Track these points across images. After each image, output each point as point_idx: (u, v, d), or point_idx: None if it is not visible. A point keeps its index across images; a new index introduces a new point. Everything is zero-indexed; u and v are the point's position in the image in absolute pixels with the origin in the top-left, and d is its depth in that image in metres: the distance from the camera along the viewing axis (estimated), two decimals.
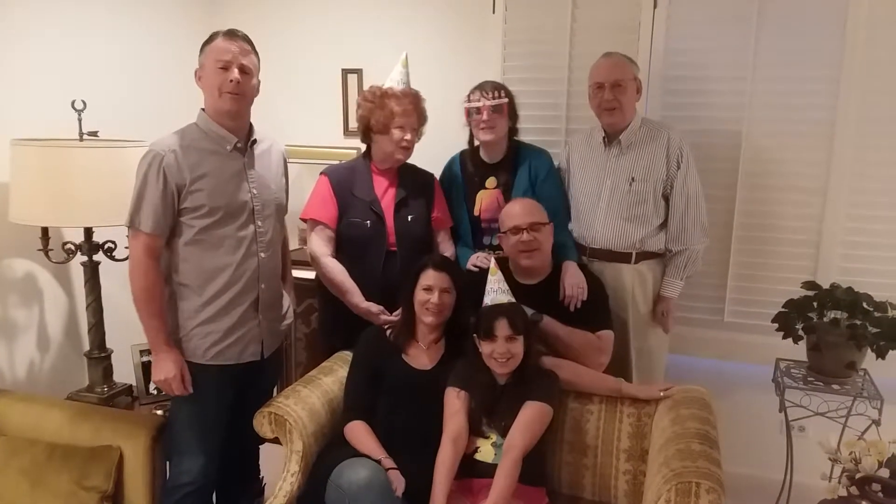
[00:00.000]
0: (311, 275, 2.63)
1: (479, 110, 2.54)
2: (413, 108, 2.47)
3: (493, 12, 3.06)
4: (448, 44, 3.18)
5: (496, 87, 2.57)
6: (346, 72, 3.32)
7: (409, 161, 2.60)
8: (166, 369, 2.06)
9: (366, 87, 2.67)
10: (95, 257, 2.47)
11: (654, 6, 2.84)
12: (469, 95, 2.59)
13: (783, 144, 2.78)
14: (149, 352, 2.60)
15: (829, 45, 2.67)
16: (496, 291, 2.13)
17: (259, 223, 2.16)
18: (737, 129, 2.81)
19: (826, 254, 2.76)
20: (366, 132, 2.54)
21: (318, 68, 3.34)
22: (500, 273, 2.18)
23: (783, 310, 2.56)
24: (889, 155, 2.66)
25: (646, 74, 2.82)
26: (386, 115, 2.45)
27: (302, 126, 3.30)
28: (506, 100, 2.56)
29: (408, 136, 2.45)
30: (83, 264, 2.46)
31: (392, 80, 2.52)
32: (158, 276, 2.06)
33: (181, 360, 2.09)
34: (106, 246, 2.50)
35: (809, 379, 2.52)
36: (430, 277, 2.20)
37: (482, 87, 2.58)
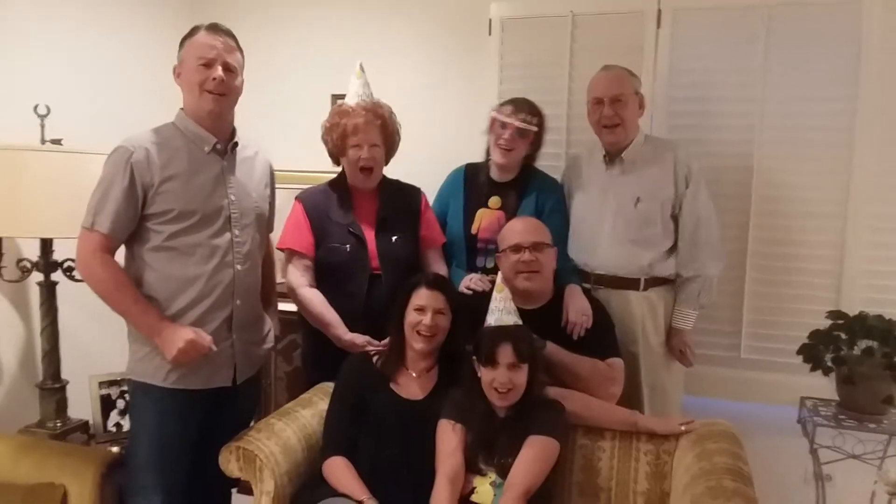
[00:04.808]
0: (293, 307, 2.40)
1: (504, 125, 2.38)
2: (368, 123, 2.24)
3: (490, 34, 2.94)
4: (442, 67, 3.05)
5: (532, 112, 2.40)
6: (336, 97, 3.17)
7: (395, 176, 2.41)
8: (178, 336, 1.81)
9: None
10: (53, 276, 2.25)
11: (658, 26, 2.72)
12: (501, 106, 2.43)
13: (798, 168, 2.62)
14: (108, 383, 2.43)
15: (844, 62, 2.54)
16: (501, 311, 1.93)
17: (236, 232, 1.96)
18: (748, 151, 2.65)
19: (848, 283, 2.56)
20: (331, 154, 2.36)
21: (307, 94, 3.20)
22: (507, 290, 1.97)
23: (808, 342, 2.35)
24: None
25: (650, 96, 2.66)
26: (339, 134, 2.26)
27: (291, 151, 3.14)
28: (535, 129, 2.40)
29: (364, 155, 2.24)
30: (39, 284, 2.24)
31: (351, 96, 2.33)
32: (117, 264, 1.86)
33: (187, 326, 1.85)
34: (66, 265, 2.28)
35: (840, 417, 2.29)
36: (422, 297, 1.99)
37: (517, 104, 2.40)
